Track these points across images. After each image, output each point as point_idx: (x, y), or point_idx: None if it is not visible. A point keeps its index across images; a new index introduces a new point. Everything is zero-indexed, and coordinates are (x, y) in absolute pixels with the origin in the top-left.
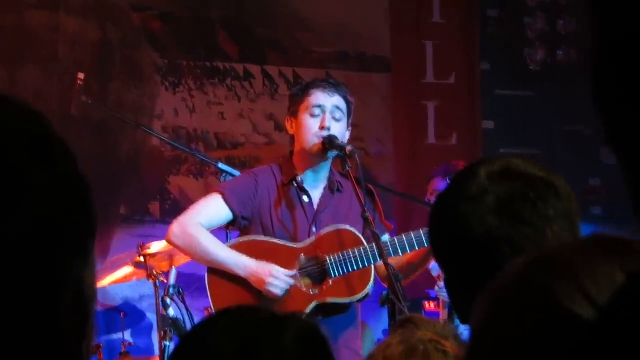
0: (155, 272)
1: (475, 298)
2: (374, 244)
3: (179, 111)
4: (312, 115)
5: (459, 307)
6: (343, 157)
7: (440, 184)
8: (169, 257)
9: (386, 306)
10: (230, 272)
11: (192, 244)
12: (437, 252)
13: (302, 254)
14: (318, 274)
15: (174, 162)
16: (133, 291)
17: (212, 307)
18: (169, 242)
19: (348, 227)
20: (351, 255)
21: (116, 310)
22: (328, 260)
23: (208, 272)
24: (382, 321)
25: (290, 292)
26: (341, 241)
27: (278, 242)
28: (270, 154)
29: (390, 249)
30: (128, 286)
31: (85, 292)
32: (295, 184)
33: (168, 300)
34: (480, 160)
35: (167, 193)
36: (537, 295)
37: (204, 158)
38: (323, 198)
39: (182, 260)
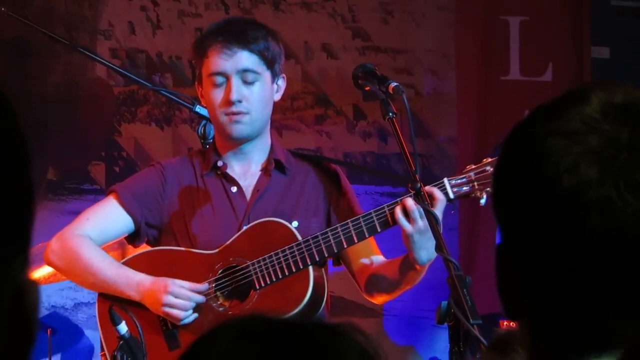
0: None
1: (542, 287)
2: (311, 238)
3: (135, 26)
4: (215, 85)
5: (507, 294)
6: (383, 99)
7: None
8: (121, 244)
9: (446, 324)
10: (123, 296)
11: (72, 260)
12: (497, 205)
13: (218, 263)
14: (240, 287)
15: (128, 103)
16: (64, 297)
17: (103, 345)
18: (48, 263)
19: (276, 219)
20: (280, 256)
21: (40, 325)
22: (251, 267)
23: (99, 297)
24: (440, 347)
25: (201, 314)
26: (268, 239)
27: (186, 250)
28: None
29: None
30: (57, 289)
31: (27, 299)
32: (219, 172)
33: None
34: (596, 83)
35: (116, 149)
36: None
37: (173, 97)
38: (257, 184)
39: (140, 246)
